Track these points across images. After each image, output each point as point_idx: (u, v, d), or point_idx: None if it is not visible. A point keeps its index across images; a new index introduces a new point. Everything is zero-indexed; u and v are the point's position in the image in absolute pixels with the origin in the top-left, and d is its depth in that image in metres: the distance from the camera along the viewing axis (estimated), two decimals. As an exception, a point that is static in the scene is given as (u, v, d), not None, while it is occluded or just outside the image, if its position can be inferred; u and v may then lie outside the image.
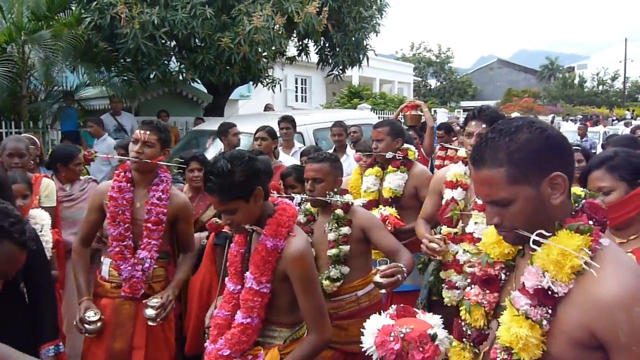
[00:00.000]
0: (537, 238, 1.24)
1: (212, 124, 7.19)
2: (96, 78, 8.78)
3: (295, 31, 9.25)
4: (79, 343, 3.72)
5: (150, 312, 2.62)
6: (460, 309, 1.49)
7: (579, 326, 1.17)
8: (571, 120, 27.01)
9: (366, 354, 1.55)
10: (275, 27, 8.32)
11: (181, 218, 2.88)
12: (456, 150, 3.60)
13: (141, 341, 2.72)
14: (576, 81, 45.59)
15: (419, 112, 6.42)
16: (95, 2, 7.83)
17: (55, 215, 3.54)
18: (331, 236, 2.77)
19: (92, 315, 2.63)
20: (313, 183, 2.75)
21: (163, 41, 8.05)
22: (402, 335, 1.45)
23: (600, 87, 45.39)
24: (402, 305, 1.63)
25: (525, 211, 1.25)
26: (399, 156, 3.54)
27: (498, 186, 1.25)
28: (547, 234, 1.24)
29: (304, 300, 1.99)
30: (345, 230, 2.76)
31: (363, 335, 1.57)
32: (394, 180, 3.52)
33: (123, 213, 2.76)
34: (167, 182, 2.84)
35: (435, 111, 19.32)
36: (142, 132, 2.75)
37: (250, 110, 13.17)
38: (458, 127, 10.14)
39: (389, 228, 3.23)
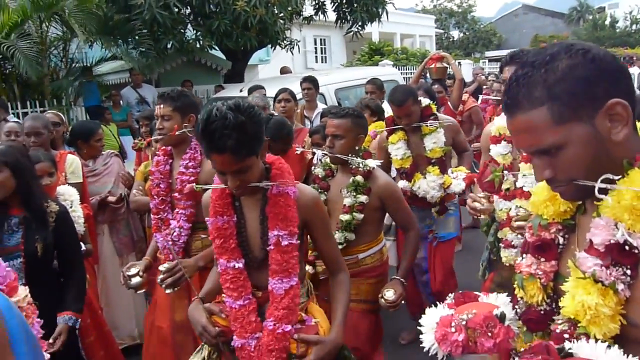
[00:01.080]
0: (603, 185, 1.00)
1: (232, 91, 7.12)
2: (114, 52, 8.75)
3: (310, -11, 9.01)
4: (115, 317, 3.82)
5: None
6: (514, 285, 1.26)
7: None
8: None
9: (430, 353, 1.32)
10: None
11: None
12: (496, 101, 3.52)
13: None
14: (607, 22, 43.58)
15: (444, 64, 6.22)
16: (108, -26, 7.73)
17: (83, 190, 3.56)
18: (347, 201, 2.65)
19: (132, 270, 2.58)
20: (333, 139, 2.63)
21: (177, 9, 7.94)
22: (464, 322, 1.21)
23: (634, 27, 43.33)
24: (460, 292, 1.38)
25: (582, 155, 1.00)
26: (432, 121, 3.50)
27: (542, 130, 1.01)
28: (615, 177, 0.99)
29: (326, 242, 2.00)
30: (362, 198, 2.63)
31: (424, 329, 1.31)
32: (438, 138, 3.48)
33: (158, 185, 2.73)
34: (196, 150, 2.71)
35: (459, 63, 18.77)
36: (157, 107, 2.69)
37: (270, 74, 13.01)
38: (483, 77, 9.84)
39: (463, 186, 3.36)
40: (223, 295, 1.94)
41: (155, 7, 7.53)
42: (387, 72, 8.42)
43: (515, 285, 1.24)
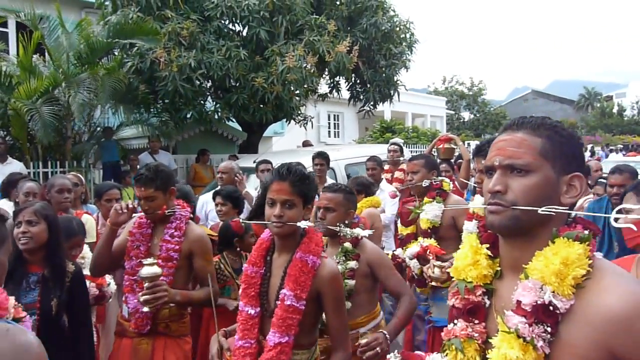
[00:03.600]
0: (545, 211, 1.12)
1: (246, 161, 7.36)
2: (135, 118, 9.17)
3: (326, 69, 9.48)
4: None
5: (146, 270, 2.55)
6: (447, 353, 1.30)
7: (595, 346, 1.04)
8: (611, 149, 26.36)
9: None
10: (307, 67, 8.56)
11: (196, 253, 2.84)
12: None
13: None
14: (615, 110, 44.60)
15: (452, 145, 6.45)
16: (136, 48, 8.25)
17: (96, 250, 3.68)
18: (339, 268, 2.71)
19: (148, 260, 2.58)
20: (325, 212, 2.78)
21: (199, 82, 8.38)
22: None
23: (641, 116, 44.21)
24: (406, 352, 1.48)
25: (538, 189, 1.15)
26: (435, 182, 3.60)
27: (527, 150, 1.17)
28: (559, 208, 1.13)
29: (335, 318, 2.09)
30: (352, 264, 2.73)
31: None
32: (431, 211, 3.54)
33: (137, 248, 2.81)
34: (181, 219, 2.85)
35: (469, 144, 19.19)
36: (139, 189, 2.77)
37: (284, 146, 13.40)
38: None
39: (431, 257, 3.26)
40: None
41: (179, 79, 7.97)
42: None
43: (450, 351, 1.28)
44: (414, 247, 3.41)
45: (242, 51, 8.30)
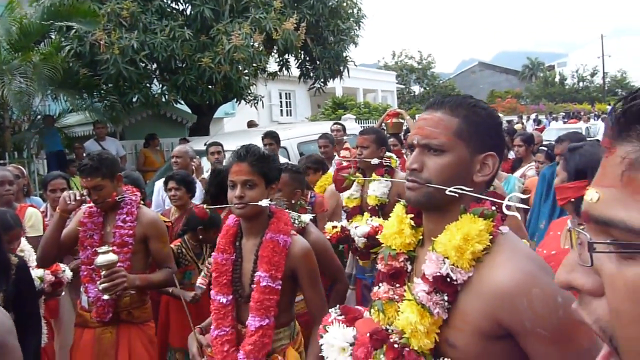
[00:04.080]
0: (453, 191, 1.19)
1: (197, 144, 7.24)
2: (78, 104, 8.82)
3: (274, 47, 9.37)
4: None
5: (101, 258, 2.49)
6: (372, 312, 1.39)
7: (485, 316, 1.13)
8: (554, 117, 27.44)
9: None
10: (254, 45, 8.43)
11: (151, 236, 2.83)
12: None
13: None
14: (557, 79, 46.28)
15: (400, 120, 6.53)
16: (74, 30, 7.89)
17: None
18: None
19: (103, 248, 2.52)
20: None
21: (144, 65, 8.13)
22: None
23: (581, 84, 46.10)
24: (346, 306, 1.58)
25: (451, 168, 1.22)
26: (386, 162, 3.60)
27: (443, 130, 1.23)
28: (466, 188, 1.19)
29: (312, 293, 2.13)
30: None
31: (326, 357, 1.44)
32: (379, 188, 3.58)
33: (91, 237, 2.78)
34: (132, 204, 2.83)
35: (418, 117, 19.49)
36: (84, 180, 2.70)
37: (236, 127, 13.23)
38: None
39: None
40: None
41: (122, 62, 7.69)
42: (349, 126, 8.71)
43: (374, 311, 1.37)
44: (364, 227, 3.44)
45: (186, 31, 8.08)
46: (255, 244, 2.09)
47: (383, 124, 6.41)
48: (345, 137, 6.62)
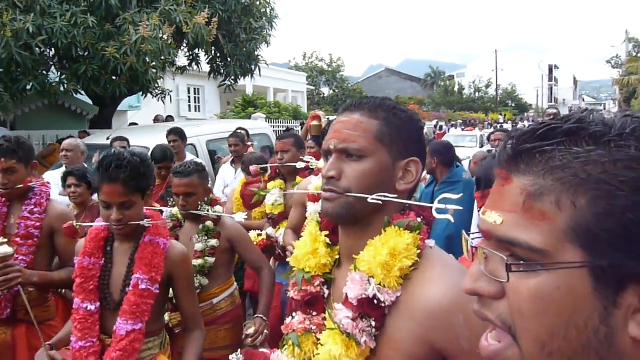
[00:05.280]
0: (375, 199, 1.08)
1: (98, 137, 6.91)
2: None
3: (184, 41, 9.14)
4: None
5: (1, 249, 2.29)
6: (285, 348, 1.21)
7: (417, 340, 1.01)
8: (452, 124, 29.29)
9: None
10: (163, 37, 8.17)
11: (58, 230, 2.63)
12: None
13: None
14: (456, 88, 49.37)
15: (317, 122, 6.66)
16: (-42, 8, 7.19)
17: None
18: (198, 246, 2.77)
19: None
20: (185, 197, 2.74)
21: (40, 50, 7.58)
22: None
23: (477, 94, 49.55)
24: (249, 350, 1.46)
25: (372, 175, 1.10)
26: (310, 166, 3.56)
27: (362, 133, 1.11)
28: (389, 195, 1.08)
29: (187, 299, 2.10)
30: (213, 242, 2.78)
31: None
32: (274, 194, 3.62)
33: None
34: (41, 195, 2.69)
35: (328, 118, 19.84)
36: None
37: (141, 121, 12.72)
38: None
39: None
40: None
41: (14, 46, 7.12)
42: (258, 125, 8.74)
43: (287, 346, 1.20)
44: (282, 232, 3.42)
45: (89, 17, 7.64)
46: (129, 247, 2.02)
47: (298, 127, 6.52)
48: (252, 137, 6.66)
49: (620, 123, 0.58)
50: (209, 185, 2.91)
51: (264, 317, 2.60)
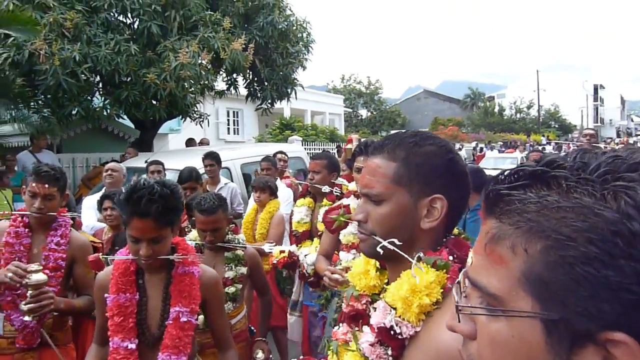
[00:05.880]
0: (388, 245, 1.12)
1: (138, 161, 7.09)
2: (12, 115, 8.45)
3: (222, 67, 9.36)
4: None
5: (35, 277, 2.37)
6: (327, 352, 1.33)
7: None
8: (492, 146, 28.75)
9: None
10: (202, 63, 8.40)
11: (78, 260, 2.75)
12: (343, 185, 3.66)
13: None
14: (496, 110, 48.57)
15: (351, 146, 6.67)
16: (12, 38, 7.59)
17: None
18: (230, 274, 2.89)
19: (34, 266, 2.40)
20: (212, 233, 2.83)
21: (85, 77, 7.92)
22: None
23: (518, 115, 48.58)
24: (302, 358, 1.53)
25: (392, 217, 1.13)
26: (336, 190, 3.61)
27: (380, 178, 1.15)
28: (397, 242, 1.11)
29: (220, 321, 2.15)
30: (243, 270, 2.92)
31: None
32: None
33: (20, 260, 2.62)
34: (65, 226, 2.76)
35: (359, 140, 19.79)
36: (40, 185, 2.61)
37: (181, 144, 13.04)
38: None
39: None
40: None
41: (62, 74, 7.47)
42: (293, 149, 8.81)
43: (329, 352, 1.31)
44: (313, 255, 3.41)
45: (132, 46, 7.95)
46: (161, 279, 1.99)
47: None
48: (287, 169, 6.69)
49: (594, 165, 0.54)
50: (242, 206, 3.00)
51: (266, 340, 2.78)
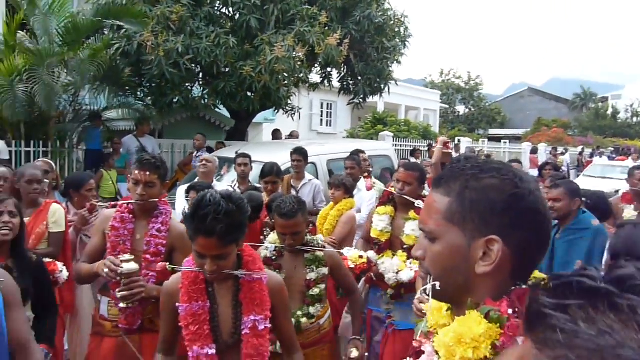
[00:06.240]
0: (429, 287, 1.07)
1: (227, 151, 7.32)
2: (119, 101, 9.10)
3: (317, 61, 9.41)
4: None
5: (126, 267, 2.50)
6: None
7: None
8: (601, 151, 26.44)
9: None
10: (296, 57, 8.49)
11: (177, 249, 2.83)
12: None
13: None
14: (609, 112, 44.68)
15: (447, 150, 6.42)
16: (124, 30, 8.15)
17: (65, 240, 3.66)
18: (312, 276, 2.87)
19: (125, 256, 2.55)
20: (292, 236, 2.80)
21: (187, 68, 8.31)
22: None
23: (635, 119, 44.38)
24: None
25: (444, 258, 1.05)
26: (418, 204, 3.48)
27: (434, 214, 1.07)
28: (437, 288, 1.05)
29: (287, 325, 2.16)
30: (325, 270, 2.89)
31: None
32: (418, 230, 3.52)
33: (124, 243, 2.79)
34: (166, 214, 2.88)
35: (459, 140, 19.17)
36: (142, 173, 2.75)
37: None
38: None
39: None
40: None
41: (165, 64, 7.89)
42: (381, 147, 8.67)
43: None
44: (409, 273, 3.37)
45: (231, 38, 8.21)
46: (229, 287, 2.01)
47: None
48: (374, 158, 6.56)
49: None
50: (324, 204, 3.02)
51: (361, 339, 2.75)
